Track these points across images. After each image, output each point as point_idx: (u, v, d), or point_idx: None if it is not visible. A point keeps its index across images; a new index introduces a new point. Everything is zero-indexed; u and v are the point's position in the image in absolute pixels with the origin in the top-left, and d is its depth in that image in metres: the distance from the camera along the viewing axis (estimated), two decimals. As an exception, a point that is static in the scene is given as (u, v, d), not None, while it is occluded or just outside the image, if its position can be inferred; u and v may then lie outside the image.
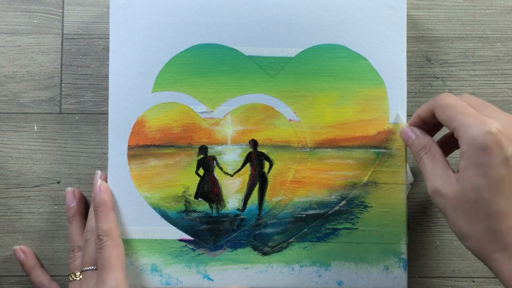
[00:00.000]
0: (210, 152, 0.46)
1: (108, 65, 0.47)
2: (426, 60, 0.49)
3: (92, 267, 0.43)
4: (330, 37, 0.46)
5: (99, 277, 0.42)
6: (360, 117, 0.46)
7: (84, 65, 0.49)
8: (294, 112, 0.46)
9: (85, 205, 0.48)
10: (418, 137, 0.41)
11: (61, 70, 0.49)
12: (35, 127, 0.49)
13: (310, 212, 0.46)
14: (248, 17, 0.46)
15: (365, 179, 0.46)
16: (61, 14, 0.49)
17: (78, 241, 0.46)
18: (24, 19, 0.49)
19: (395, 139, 0.46)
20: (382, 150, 0.46)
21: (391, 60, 0.46)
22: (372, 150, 0.46)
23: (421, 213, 0.49)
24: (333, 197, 0.46)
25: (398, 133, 0.45)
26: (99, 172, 0.46)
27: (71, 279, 0.45)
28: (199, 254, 0.46)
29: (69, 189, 0.47)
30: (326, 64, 0.46)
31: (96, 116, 0.49)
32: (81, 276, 0.44)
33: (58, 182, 0.49)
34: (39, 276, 0.47)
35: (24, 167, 0.48)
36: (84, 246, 0.44)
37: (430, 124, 0.42)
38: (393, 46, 0.46)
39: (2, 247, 0.48)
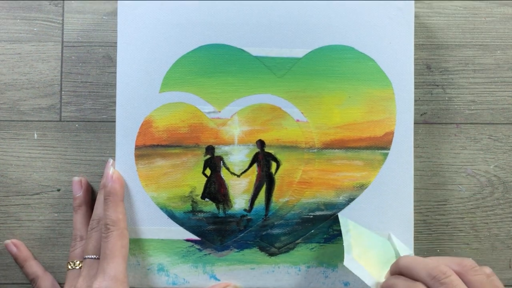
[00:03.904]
0: (217, 152, 0.46)
1: (108, 72, 0.48)
2: (426, 67, 0.49)
3: (94, 256, 0.43)
4: (338, 38, 0.46)
5: (100, 266, 0.42)
6: (367, 118, 0.46)
7: (84, 73, 0.49)
8: (302, 113, 0.46)
9: (91, 195, 0.48)
10: None
11: (61, 78, 0.49)
12: (35, 134, 0.48)
13: (318, 213, 0.46)
14: (255, 18, 0.46)
15: (372, 180, 0.46)
16: (61, 22, 0.49)
17: (81, 230, 0.46)
18: (24, 27, 0.49)
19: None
20: (389, 151, 0.46)
21: (399, 61, 0.46)
22: (379, 151, 0.46)
23: (421, 221, 0.49)
24: (340, 198, 0.46)
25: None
26: (111, 161, 0.46)
27: (70, 267, 0.45)
28: (205, 254, 0.46)
29: (76, 178, 0.47)
30: (334, 65, 0.46)
31: (96, 124, 0.48)
32: (81, 265, 0.44)
33: (58, 190, 0.48)
34: (33, 267, 0.47)
35: (24, 175, 0.48)
36: (88, 234, 0.44)
37: None
38: (400, 47, 0.46)
39: (2, 254, 0.48)
